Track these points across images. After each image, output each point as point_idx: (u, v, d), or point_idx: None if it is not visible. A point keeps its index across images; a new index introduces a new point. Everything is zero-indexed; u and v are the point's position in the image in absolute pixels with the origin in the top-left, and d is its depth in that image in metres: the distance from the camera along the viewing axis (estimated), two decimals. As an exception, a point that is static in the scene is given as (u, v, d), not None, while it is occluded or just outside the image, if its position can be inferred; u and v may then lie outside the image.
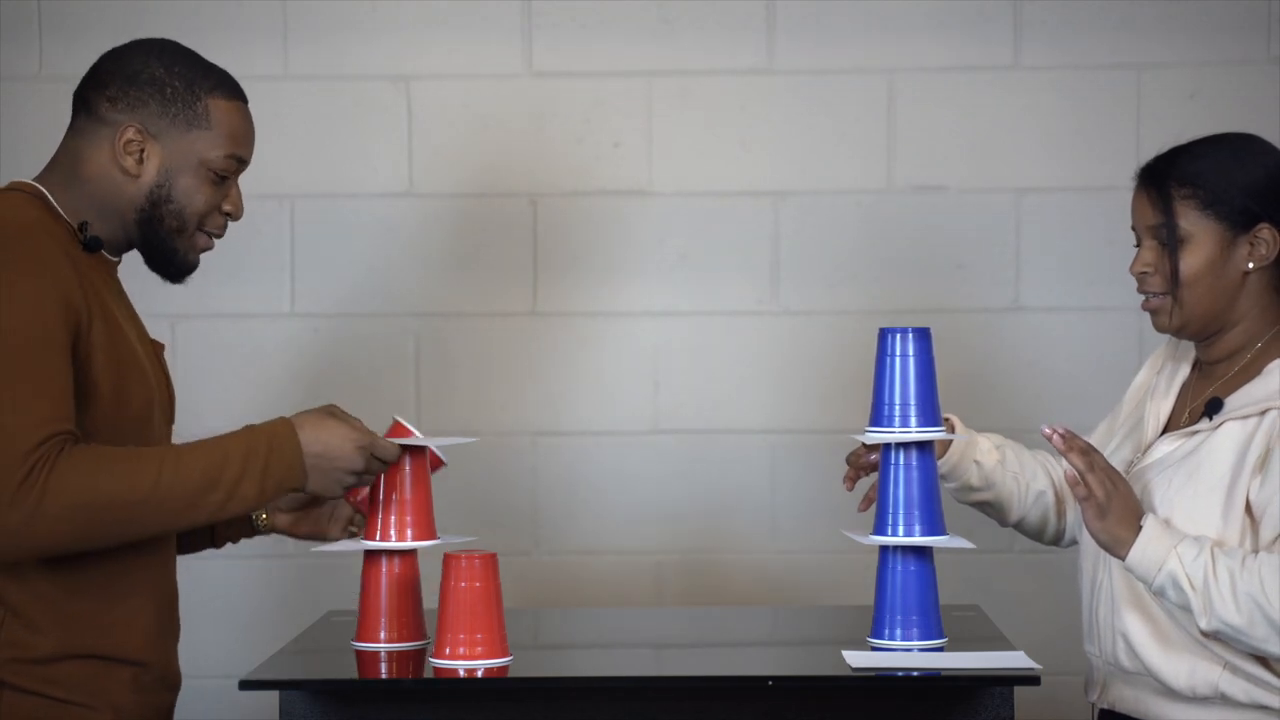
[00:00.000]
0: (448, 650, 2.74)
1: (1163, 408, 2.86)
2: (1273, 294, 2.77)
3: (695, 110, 4.01)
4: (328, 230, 4.02)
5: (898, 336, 2.86)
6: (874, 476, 2.95)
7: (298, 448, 2.62)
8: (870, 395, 2.88)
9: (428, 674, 2.75)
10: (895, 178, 3.99)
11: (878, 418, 2.87)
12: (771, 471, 4.01)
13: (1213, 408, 2.74)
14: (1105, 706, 2.82)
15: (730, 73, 4.00)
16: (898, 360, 2.86)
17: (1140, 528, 2.64)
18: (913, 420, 2.84)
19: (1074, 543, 3.00)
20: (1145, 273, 2.80)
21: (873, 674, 2.71)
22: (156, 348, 2.77)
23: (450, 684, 2.73)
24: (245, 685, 2.69)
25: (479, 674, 2.72)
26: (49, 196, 2.63)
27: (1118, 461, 2.83)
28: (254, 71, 3.99)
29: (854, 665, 2.72)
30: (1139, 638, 2.73)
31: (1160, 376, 2.91)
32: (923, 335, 2.85)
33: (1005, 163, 3.98)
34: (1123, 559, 2.65)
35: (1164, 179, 2.77)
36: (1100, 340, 3.97)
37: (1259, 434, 2.68)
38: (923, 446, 2.87)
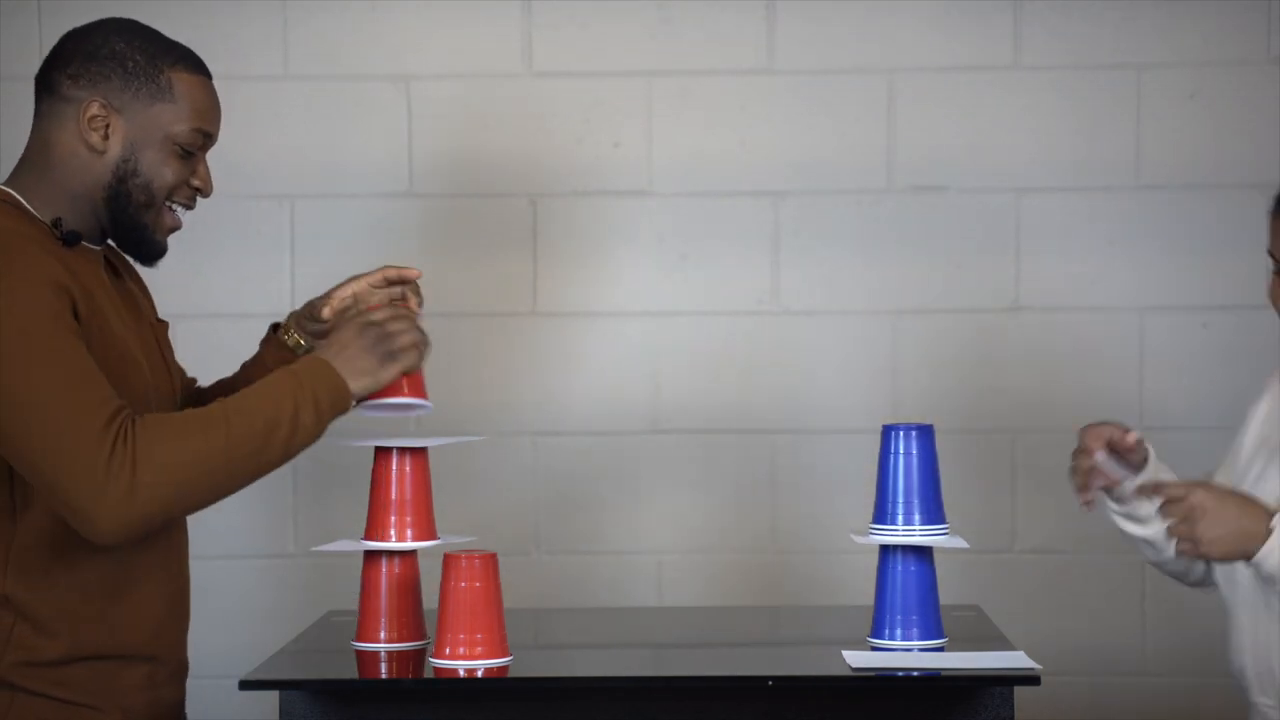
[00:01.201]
0: (448, 650, 2.74)
1: None
2: None
3: (695, 110, 4.00)
4: (328, 230, 4.02)
5: (900, 434, 2.87)
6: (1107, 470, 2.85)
7: (325, 363, 2.63)
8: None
9: (428, 674, 2.75)
10: (895, 178, 3.99)
11: (880, 515, 2.88)
12: (771, 471, 4.01)
13: None
14: None
15: (730, 73, 4.00)
16: (900, 458, 2.87)
17: (1269, 520, 2.58)
18: (916, 518, 2.85)
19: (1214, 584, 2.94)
20: None
21: (873, 674, 2.71)
22: (159, 329, 2.76)
23: (450, 684, 2.73)
24: (245, 685, 2.69)
25: (479, 674, 2.72)
26: (21, 200, 2.62)
27: (1272, 488, 2.78)
28: (254, 71, 4.01)
29: (854, 665, 2.72)
30: None
31: None
32: (925, 433, 2.87)
33: (1005, 163, 3.98)
34: (1250, 556, 2.58)
35: None
36: (1100, 340, 3.97)
37: None
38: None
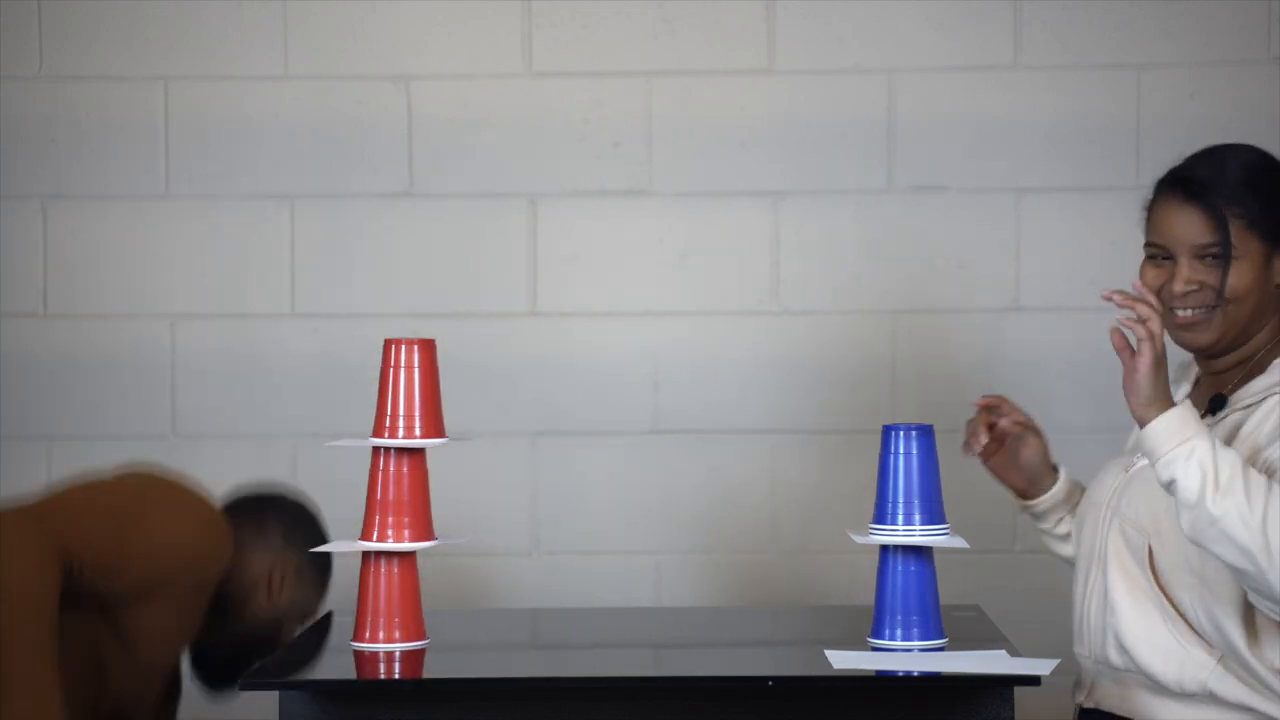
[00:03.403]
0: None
1: None
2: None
3: (695, 110, 4.00)
4: (328, 230, 4.02)
5: (900, 434, 2.86)
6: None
7: None
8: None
9: (427, 674, 2.75)
10: (895, 178, 3.99)
11: (880, 515, 2.87)
12: (771, 471, 4.01)
13: (1216, 405, 2.77)
14: (1090, 705, 2.85)
15: (730, 73, 4.00)
16: (900, 458, 2.87)
17: (1173, 405, 2.63)
18: (916, 518, 2.86)
19: None
20: (1191, 290, 2.78)
21: (873, 674, 2.71)
22: None
23: (450, 684, 2.74)
24: (245, 685, 2.69)
25: (478, 673, 2.73)
26: None
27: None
28: (254, 71, 4.01)
29: (836, 666, 2.72)
30: (1130, 636, 2.76)
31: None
32: (925, 433, 2.87)
33: (1005, 163, 3.98)
34: (1147, 420, 2.62)
35: (1214, 196, 2.76)
36: (1100, 340, 3.93)
37: (1256, 415, 2.71)
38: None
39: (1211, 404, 2.79)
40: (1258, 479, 2.57)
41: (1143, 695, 2.76)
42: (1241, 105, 3.92)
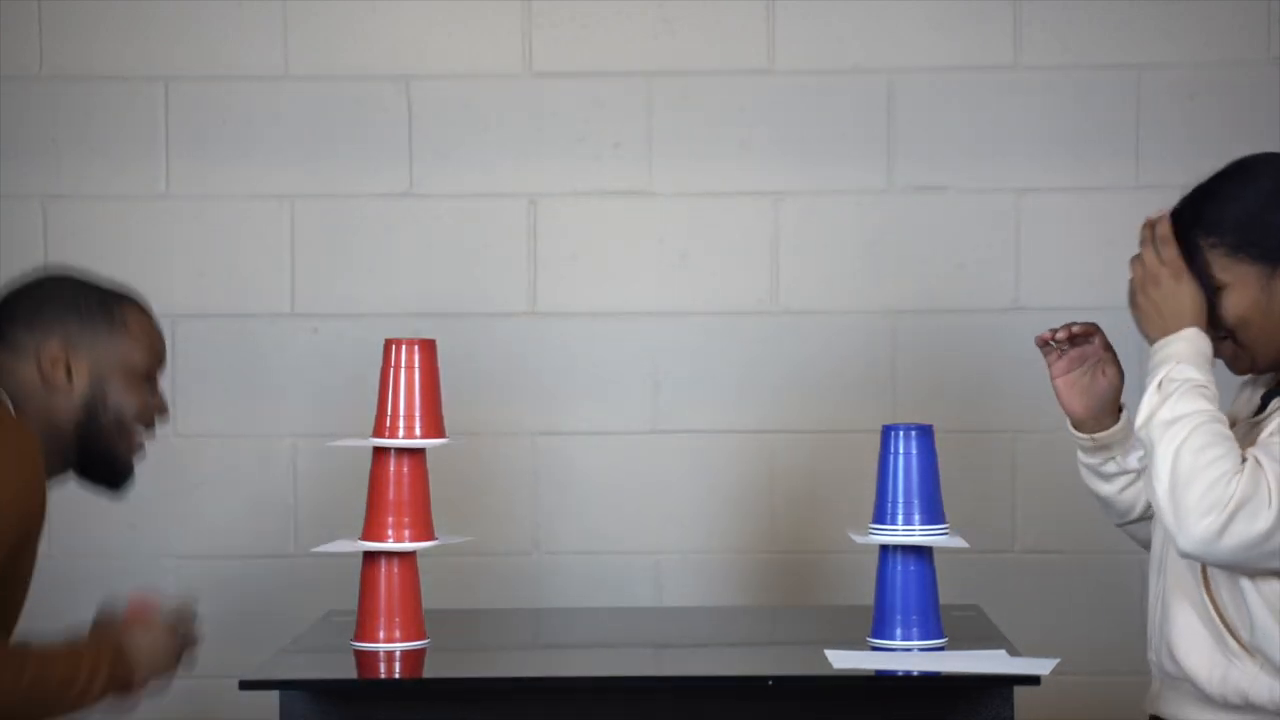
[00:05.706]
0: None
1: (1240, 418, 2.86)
2: None
3: (695, 110, 4.01)
4: (328, 230, 4.02)
5: (900, 434, 2.86)
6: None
7: (123, 652, 2.63)
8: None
9: (426, 673, 2.75)
10: (895, 178, 3.99)
11: (880, 515, 2.88)
12: (771, 471, 4.01)
13: (1268, 398, 2.75)
14: (1154, 712, 2.83)
15: (730, 73, 4.00)
16: (900, 458, 2.87)
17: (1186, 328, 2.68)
18: (916, 518, 2.86)
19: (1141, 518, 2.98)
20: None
21: (873, 674, 2.71)
22: None
23: (450, 684, 2.74)
24: (245, 685, 2.69)
25: (478, 673, 2.73)
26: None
27: None
28: (254, 71, 4.02)
29: (836, 666, 2.72)
30: (1182, 643, 2.74)
31: (1238, 403, 2.89)
32: (925, 433, 2.87)
33: (1005, 163, 3.98)
34: (1154, 338, 2.70)
35: (1190, 231, 2.75)
36: (1100, 340, 3.97)
37: None
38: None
39: (1264, 398, 2.78)
40: (1214, 431, 2.59)
41: (1190, 704, 2.74)
42: (1241, 105, 3.92)
